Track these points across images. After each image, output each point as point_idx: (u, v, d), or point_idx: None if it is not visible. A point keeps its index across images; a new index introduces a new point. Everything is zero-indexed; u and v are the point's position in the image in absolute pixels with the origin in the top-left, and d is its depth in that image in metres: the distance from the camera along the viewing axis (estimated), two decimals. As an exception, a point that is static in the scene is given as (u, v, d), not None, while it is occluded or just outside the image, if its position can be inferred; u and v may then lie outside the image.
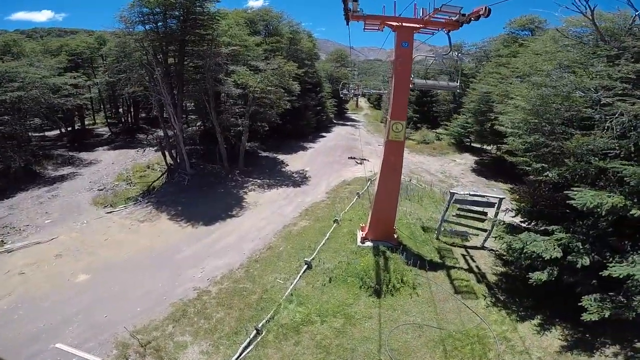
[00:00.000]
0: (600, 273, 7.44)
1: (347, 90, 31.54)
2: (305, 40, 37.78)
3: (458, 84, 12.05)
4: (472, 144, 33.24)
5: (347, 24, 10.77)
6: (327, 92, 44.07)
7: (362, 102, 78.34)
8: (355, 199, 17.76)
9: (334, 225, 14.61)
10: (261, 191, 20.75)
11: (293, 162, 27.10)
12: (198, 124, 28.55)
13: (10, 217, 18.60)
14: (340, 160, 27.81)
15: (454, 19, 9.75)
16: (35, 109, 24.82)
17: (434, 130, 38.93)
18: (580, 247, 8.29)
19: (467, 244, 13.69)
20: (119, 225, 17.26)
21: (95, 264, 13.17)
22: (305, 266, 11.81)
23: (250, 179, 22.52)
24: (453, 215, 13.09)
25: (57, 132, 34.26)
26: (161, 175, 22.70)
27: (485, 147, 30.98)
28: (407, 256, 12.10)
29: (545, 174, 9.11)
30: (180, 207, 18.38)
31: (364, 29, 11.36)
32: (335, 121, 49.42)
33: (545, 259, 8.40)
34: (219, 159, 23.26)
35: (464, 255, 13.00)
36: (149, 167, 24.79)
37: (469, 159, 30.42)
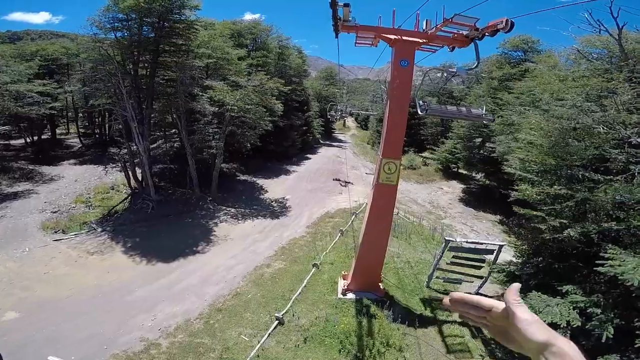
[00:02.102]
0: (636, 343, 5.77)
1: (335, 111, 30.44)
2: (295, 56, 36.51)
3: (484, 112, 9.15)
4: (459, 170, 32.37)
5: (336, 35, 9.16)
6: (314, 111, 42.76)
7: (350, 121, 77.91)
8: (338, 237, 15.96)
9: (313, 269, 12.77)
10: (234, 222, 18.70)
11: (273, 188, 25.17)
12: (171, 141, 26.49)
13: (-61, 240, 16.06)
14: (325, 187, 26.07)
15: (464, 33, 8.09)
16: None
17: (420, 155, 38.06)
18: (601, 313, 6.73)
19: (461, 290, 12.08)
20: (65, 256, 14.97)
21: (28, 301, 11.26)
22: (277, 322, 9.94)
23: (224, 208, 20.44)
24: (447, 263, 11.52)
25: (22, 141, 31.62)
26: (123, 200, 20.40)
27: (473, 174, 30.00)
28: (395, 310, 10.40)
29: (566, 232, 7.38)
30: (138, 238, 16.22)
31: (356, 43, 9.79)
32: (322, 141, 48.07)
33: (561, 326, 6.83)
34: (189, 183, 21.17)
35: None
36: (113, 188, 22.52)
37: (456, 187, 29.36)
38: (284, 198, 22.94)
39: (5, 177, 23.54)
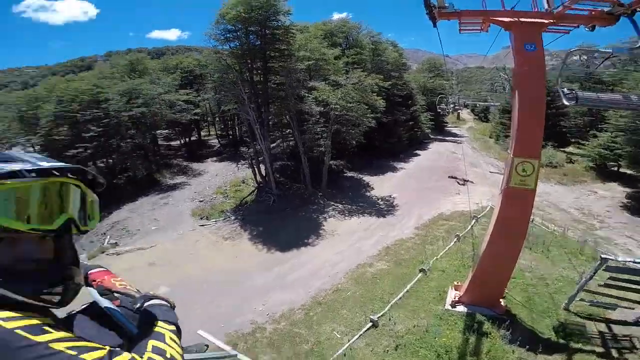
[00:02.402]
0: None
1: (445, 104, 27.77)
2: (390, 51, 34.71)
3: None
4: (620, 170, 25.36)
5: (434, 24, 8.27)
6: (420, 105, 39.83)
7: (465, 113, 69.12)
8: (453, 242, 14.58)
9: (419, 275, 12.04)
10: (341, 218, 19.28)
11: (380, 185, 24.76)
12: (287, 140, 28.96)
13: (129, 220, 21.63)
14: (438, 186, 24.10)
15: (606, 9, 6.49)
16: (156, 123, 29.04)
17: (562, 150, 31.33)
18: None
19: (613, 316, 9.45)
20: (206, 240, 18.17)
21: (176, 278, 13.80)
22: (370, 324, 9.81)
23: (332, 203, 21.26)
24: (599, 285, 9.13)
25: (178, 142, 39.58)
26: (251, 193, 23.47)
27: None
28: (515, 331, 8.85)
29: None
30: (261, 227, 18.40)
31: (460, 30, 8.55)
32: (432, 136, 44.41)
33: None
34: (303, 179, 22.83)
35: (603, 334, 8.91)
36: (243, 182, 26.07)
37: (616, 191, 23.10)
38: (390, 196, 22.35)
39: (168, 171, 29.96)
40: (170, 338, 0.93)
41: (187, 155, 34.96)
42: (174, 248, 17.52)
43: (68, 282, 0.90)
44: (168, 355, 0.86)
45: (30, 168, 0.80)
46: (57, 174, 0.84)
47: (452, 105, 28.36)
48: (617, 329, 9.02)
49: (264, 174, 23.23)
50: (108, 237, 19.27)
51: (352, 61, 26.71)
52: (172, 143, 38.95)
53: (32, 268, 0.84)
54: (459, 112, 49.58)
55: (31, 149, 26.68)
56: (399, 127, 31.95)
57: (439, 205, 20.14)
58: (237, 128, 40.42)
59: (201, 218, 21.15)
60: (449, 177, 25.91)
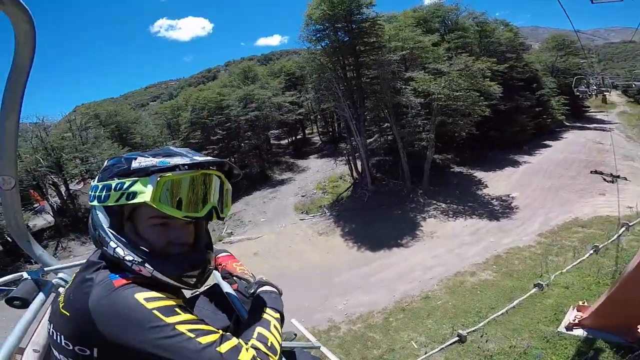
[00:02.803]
0: None
1: (585, 85, 21.81)
2: (501, 31, 29.58)
3: None
4: None
5: None
6: (549, 87, 32.76)
7: (614, 95, 51.62)
8: (588, 254, 11.47)
9: (533, 290, 9.87)
10: (443, 219, 17.33)
11: (495, 182, 21.18)
12: (385, 135, 27.85)
13: (243, 212, 24.49)
14: (574, 184, 19.26)
15: None
16: (268, 124, 32.01)
17: None
18: None
19: None
20: (304, 234, 19.06)
21: (275, 270, 14.67)
22: (457, 338, 8.49)
23: (434, 202, 19.31)
24: None
25: (286, 141, 42.91)
26: (347, 189, 23.55)
27: None
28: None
29: None
30: (354, 224, 18.19)
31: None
32: (567, 124, 35.76)
33: None
34: (401, 176, 21.58)
35: None
36: (341, 178, 26.36)
37: None
38: (508, 196, 18.96)
39: (277, 168, 32.72)
40: (274, 326, 0.97)
41: (294, 153, 37.53)
42: (275, 240, 18.95)
43: (206, 265, 0.95)
44: (269, 344, 0.89)
45: (188, 162, 0.86)
46: (204, 166, 0.90)
47: (594, 87, 22.16)
48: None
49: (360, 170, 22.94)
50: (226, 226, 22.22)
51: (454, 46, 23.92)
52: (282, 142, 42.37)
53: (179, 251, 0.91)
54: (604, 95, 37.22)
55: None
56: (521, 115, 26.64)
57: (573, 208, 16.10)
58: (336, 125, 41.35)
59: (302, 212, 22.35)
60: (591, 172, 20.52)
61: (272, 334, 0.94)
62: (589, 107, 44.14)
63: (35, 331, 1.35)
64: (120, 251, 0.84)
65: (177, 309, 0.80)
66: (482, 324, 8.84)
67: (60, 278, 1.54)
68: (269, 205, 25.19)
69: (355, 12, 19.77)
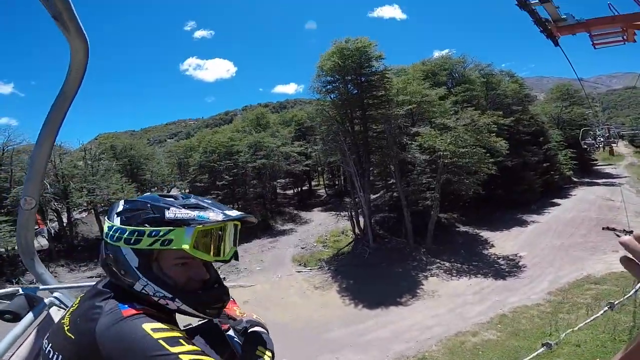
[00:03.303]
0: None
1: (592, 137, 21.77)
2: (507, 82, 30.31)
3: None
4: None
5: (556, 43, 6.58)
6: (556, 141, 32.74)
7: (621, 146, 50.89)
8: (602, 311, 10.39)
9: (541, 349, 8.78)
10: (446, 278, 16.66)
11: (502, 242, 20.64)
12: (391, 190, 27.66)
13: (240, 259, 23.70)
14: (586, 242, 18.69)
15: None
16: (274, 173, 32.21)
17: None
18: None
19: None
20: (299, 286, 18.24)
21: (263, 320, 13.94)
22: None
23: (437, 261, 18.69)
24: None
25: (292, 191, 42.84)
26: (348, 244, 22.97)
27: None
28: None
29: None
30: (352, 280, 17.49)
31: (594, 45, 6.63)
32: (576, 179, 35.24)
33: None
34: (404, 234, 20.94)
35: None
36: (343, 232, 25.89)
37: None
38: (516, 255, 18.20)
39: (280, 218, 32.37)
40: None
41: (298, 204, 37.39)
42: (269, 290, 18.15)
43: (226, 298, 1.05)
44: None
45: (222, 219, 0.96)
46: (238, 219, 1.00)
47: (601, 139, 21.97)
48: None
49: (363, 227, 22.42)
50: (220, 271, 21.45)
51: (461, 99, 24.01)
52: (287, 192, 42.51)
53: (198, 287, 0.99)
54: (612, 146, 36.82)
55: (181, 191, 33.12)
56: (528, 171, 26.30)
57: (585, 265, 15.43)
58: (342, 178, 41.54)
59: (299, 264, 21.64)
60: (603, 228, 19.54)
61: None
62: (596, 160, 43.51)
63: (21, 345, 1.38)
64: (150, 289, 0.93)
65: (181, 340, 0.83)
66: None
67: (55, 297, 1.58)
68: (267, 255, 24.50)
69: (365, 65, 20.57)
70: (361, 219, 23.07)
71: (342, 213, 29.04)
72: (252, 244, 26.25)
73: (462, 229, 23.79)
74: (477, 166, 18.61)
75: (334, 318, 13.90)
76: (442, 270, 17.55)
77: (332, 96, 22.02)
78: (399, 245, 20.94)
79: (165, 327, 0.84)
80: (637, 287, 11.67)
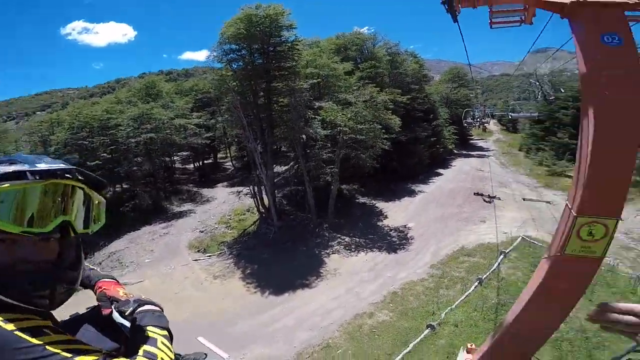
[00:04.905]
0: None
1: (472, 117, 25.04)
2: (410, 62, 32.57)
3: None
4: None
5: (455, 18, 6.06)
6: (443, 118, 36.98)
7: (492, 124, 62.86)
8: (473, 287, 11.95)
9: (426, 331, 9.61)
10: (346, 254, 17.01)
11: (394, 213, 22.15)
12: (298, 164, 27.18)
13: (126, 251, 20.51)
14: (461, 213, 21.24)
15: None
16: (166, 148, 28.29)
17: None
18: None
19: None
20: (195, 277, 16.60)
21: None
22: None
23: (338, 236, 18.98)
24: None
25: (192, 166, 38.56)
26: (253, 223, 21.74)
27: None
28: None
29: None
30: (257, 265, 16.60)
31: (491, 24, 6.36)
32: (456, 152, 40.91)
33: None
34: (307, 209, 20.77)
35: None
36: (248, 210, 24.37)
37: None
38: (405, 226, 19.75)
39: (177, 198, 28.97)
40: (162, 342, 0.96)
41: (199, 180, 34.10)
42: (160, 285, 16.17)
43: (57, 285, 0.88)
44: (159, 359, 0.89)
45: (30, 169, 0.81)
46: (59, 175, 0.85)
47: (477, 119, 25.48)
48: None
49: (267, 205, 21.42)
50: (98, 269, 18.21)
51: (367, 76, 24.42)
52: (189, 166, 38.38)
53: (32, 269, 0.83)
54: (485, 125, 45.32)
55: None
56: (419, 145, 29.00)
57: (459, 236, 17.49)
58: (247, 151, 39.26)
59: (197, 251, 19.68)
60: (474, 194, 23.16)
61: (161, 350, 0.92)
62: (472, 135, 51.79)
63: None
64: None
65: (45, 330, 0.75)
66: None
67: None
68: (158, 243, 21.65)
69: (274, 34, 18.65)
70: (265, 197, 22.05)
71: (243, 191, 27.24)
72: (140, 232, 22.86)
73: (362, 200, 24.79)
74: (374, 141, 19.15)
75: (238, 309, 12.98)
76: (342, 246, 17.90)
77: (234, 65, 19.58)
78: (304, 222, 20.71)
79: (18, 316, 0.73)
80: (499, 259, 13.86)
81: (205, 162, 38.70)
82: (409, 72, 30.45)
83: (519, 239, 15.45)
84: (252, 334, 11.22)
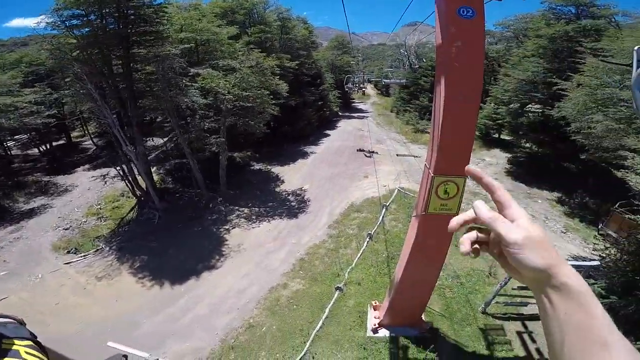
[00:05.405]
0: None
1: (352, 83, 27.12)
2: (300, 28, 33.32)
3: None
4: (500, 137, 28.35)
5: None
6: (329, 83, 39.65)
7: (369, 88, 72.78)
8: (366, 243, 13.52)
9: (337, 293, 10.66)
10: (248, 226, 16.73)
11: (290, 176, 22.72)
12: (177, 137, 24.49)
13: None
14: (347, 170, 23.16)
15: None
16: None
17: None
18: None
19: (525, 312, 9.51)
20: (74, 283, 13.99)
21: (43, 338, 9.78)
22: None
23: (236, 208, 18.45)
24: (514, 288, 8.93)
25: (37, 150, 31.05)
26: (131, 210, 19.08)
27: (519, 141, 25.71)
28: (441, 350, 8.19)
29: None
30: (145, 256, 14.86)
31: None
32: (340, 114, 44.76)
33: None
34: (195, 184, 19.35)
35: (520, 333, 8.90)
36: (123, 195, 21.20)
37: (500, 157, 25.55)
38: (301, 189, 20.59)
39: (22, 193, 22.90)
40: (26, 352, 0.93)
41: (49, 167, 27.54)
42: (32, 299, 13.17)
43: None
44: None
45: None
46: None
47: (357, 85, 28.01)
48: (531, 325, 8.96)
49: (145, 186, 18.93)
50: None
51: (255, 40, 23.65)
52: (33, 152, 30.45)
53: None
54: (364, 90, 51.89)
55: None
56: (308, 109, 30.76)
57: (348, 193, 19.17)
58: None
59: (67, 252, 16.40)
60: (357, 150, 26.19)
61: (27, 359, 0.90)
62: (354, 98, 58.23)
63: None
64: None
65: None
66: (308, 344, 8.83)
67: None
68: (11, 251, 17.18)
69: None
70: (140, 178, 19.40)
71: (109, 173, 23.23)
72: (-23, 243, 17.59)
73: (257, 166, 24.46)
74: (261, 107, 18.69)
75: (137, 309, 11.58)
76: (242, 219, 17.51)
77: (78, 32, 15.35)
78: (194, 199, 19.27)
79: None
80: (382, 213, 15.96)
81: (55, 143, 31.44)
82: (299, 38, 30.89)
83: (396, 191, 18.00)
84: (164, 331, 10.36)
